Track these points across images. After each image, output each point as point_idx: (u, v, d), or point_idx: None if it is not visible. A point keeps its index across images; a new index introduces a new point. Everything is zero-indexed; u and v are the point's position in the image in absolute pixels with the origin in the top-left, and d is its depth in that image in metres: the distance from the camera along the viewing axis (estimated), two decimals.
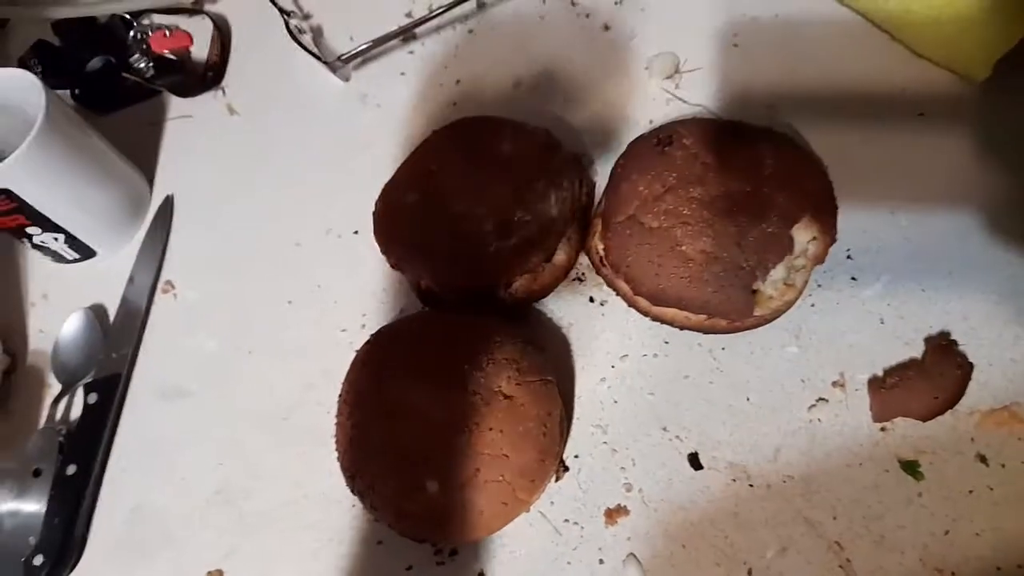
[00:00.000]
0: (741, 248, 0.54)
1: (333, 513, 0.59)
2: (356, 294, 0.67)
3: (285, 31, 0.77)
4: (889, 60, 0.67)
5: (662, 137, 0.59)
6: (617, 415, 0.58)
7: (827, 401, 0.56)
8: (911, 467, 0.53)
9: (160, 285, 0.72)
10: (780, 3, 0.71)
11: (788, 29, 0.70)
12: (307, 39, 0.79)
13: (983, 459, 0.52)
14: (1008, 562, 0.49)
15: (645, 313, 0.60)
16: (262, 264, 0.71)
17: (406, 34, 0.78)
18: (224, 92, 0.81)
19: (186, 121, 0.80)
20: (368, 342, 0.58)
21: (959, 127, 0.63)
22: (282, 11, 0.78)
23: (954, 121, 0.63)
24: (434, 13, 0.77)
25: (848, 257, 0.60)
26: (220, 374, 0.67)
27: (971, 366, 0.54)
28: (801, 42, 0.70)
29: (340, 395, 0.57)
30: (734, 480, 0.55)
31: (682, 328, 0.59)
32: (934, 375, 0.54)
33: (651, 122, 0.69)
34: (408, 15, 0.81)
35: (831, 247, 0.56)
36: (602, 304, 0.63)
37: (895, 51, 0.67)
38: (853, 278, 0.59)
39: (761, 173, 0.56)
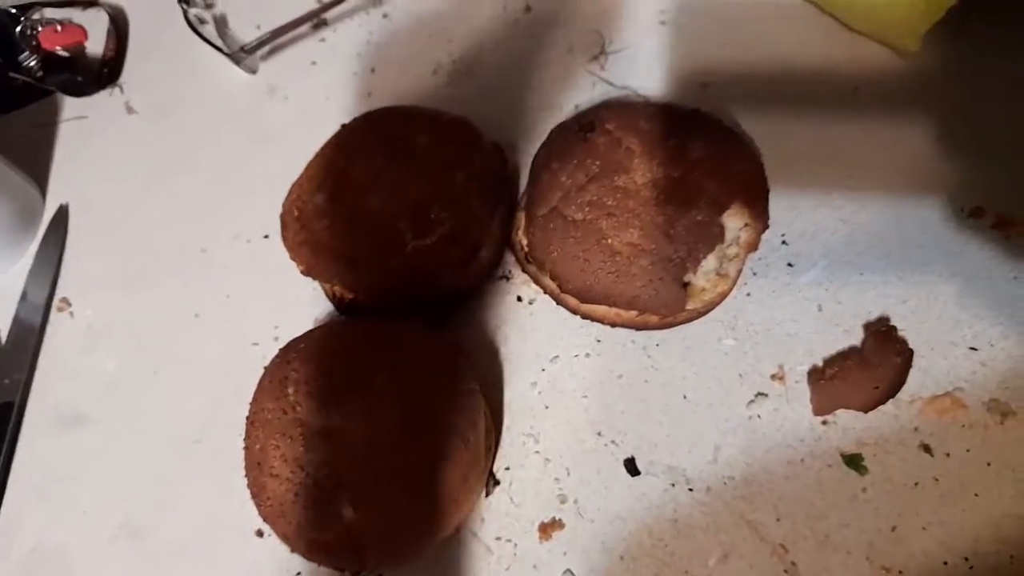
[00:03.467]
0: (670, 239, 0.51)
1: (248, 544, 0.55)
2: (268, 303, 0.63)
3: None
4: (821, 35, 0.64)
5: (584, 123, 0.55)
6: (549, 422, 0.55)
7: (766, 396, 0.53)
8: (854, 461, 0.50)
9: (55, 303, 0.66)
10: None
11: (717, 5, 0.67)
12: (209, 29, 0.74)
13: (927, 449, 0.50)
14: (954, 555, 0.48)
15: (574, 311, 0.56)
16: (166, 275, 0.65)
17: (316, 20, 0.73)
18: (122, 90, 0.75)
19: (81, 123, 0.74)
20: (275, 358, 0.54)
21: (893, 102, 0.60)
22: (180, 0, 0.72)
23: (888, 96, 0.61)
24: None
25: (783, 243, 0.57)
26: (123, 397, 0.62)
27: (911, 352, 0.52)
28: (731, 19, 0.67)
29: (248, 415, 0.52)
30: (673, 485, 0.52)
31: (613, 325, 0.56)
32: (874, 364, 0.52)
33: (576, 107, 0.65)
34: (318, 0, 0.75)
35: (764, 233, 0.53)
36: (530, 303, 0.59)
37: (827, 25, 0.64)
38: (789, 264, 0.57)
39: (689, 158, 0.53)
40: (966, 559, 0.47)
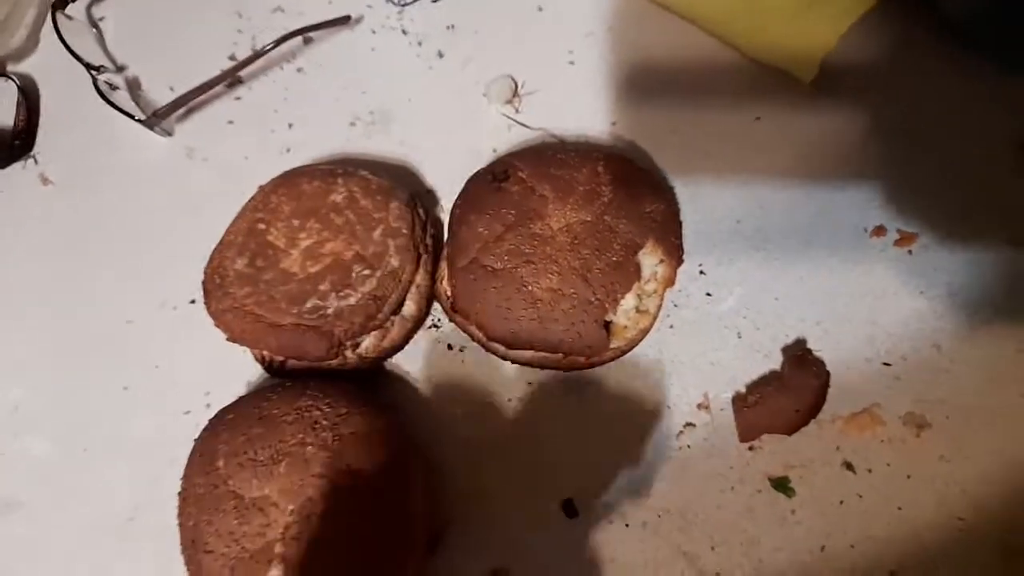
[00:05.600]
0: (588, 282, 0.52)
1: None
2: (198, 371, 0.62)
3: None
4: (725, 67, 0.66)
5: (497, 173, 0.56)
6: (488, 470, 0.55)
7: (694, 426, 0.54)
8: (782, 484, 0.52)
9: None
10: (612, 17, 0.70)
11: (623, 42, 0.69)
12: (121, 95, 0.73)
13: (850, 466, 0.52)
14: (881, 570, 0.49)
15: (503, 357, 0.57)
16: (91, 349, 0.64)
17: (231, 79, 0.73)
18: (36, 161, 0.74)
19: None
20: (204, 430, 0.53)
21: (795, 129, 0.62)
22: (88, 67, 0.72)
23: (790, 123, 0.63)
24: (257, 52, 0.72)
25: (701, 272, 0.59)
26: (54, 479, 0.60)
27: (828, 373, 0.54)
28: (637, 55, 0.68)
29: (179, 492, 0.52)
30: (610, 523, 0.53)
31: (543, 368, 0.57)
32: (793, 387, 0.53)
33: (494, 151, 0.66)
34: (231, 58, 0.75)
35: (681, 267, 0.55)
36: (461, 350, 0.60)
37: (730, 58, 0.66)
38: (708, 294, 0.58)
39: (600, 200, 0.54)
40: (892, 572, 0.49)
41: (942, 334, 0.54)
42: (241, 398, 0.55)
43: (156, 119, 0.70)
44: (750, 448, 0.53)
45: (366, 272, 0.55)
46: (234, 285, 0.57)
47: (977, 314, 0.55)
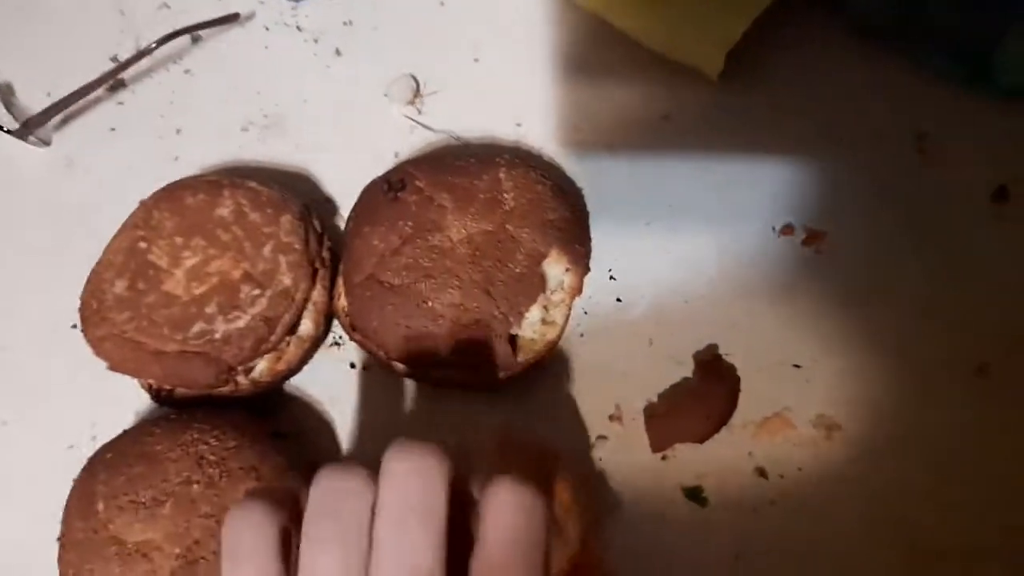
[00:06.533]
0: (491, 295, 0.50)
1: None
2: (83, 400, 0.58)
3: None
4: (635, 65, 0.64)
5: (392, 181, 0.53)
6: None
7: (607, 438, 0.53)
8: (694, 494, 0.51)
9: None
10: (518, 12, 0.67)
11: (529, 39, 0.66)
12: None
13: (762, 472, 0.51)
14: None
15: (407, 376, 0.54)
16: None
17: (112, 82, 0.68)
18: None
19: None
20: (82, 470, 0.49)
21: (702, 127, 0.61)
22: None
23: (697, 121, 0.61)
24: (141, 52, 0.67)
25: (611, 278, 0.57)
26: None
27: (738, 378, 0.53)
28: (544, 52, 0.66)
29: (58, 538, 0.48)
30: None
31: (449, 387, 0.54)
32: (704, 393, 0.52)
33: (397, 155, 0.63)
34: (114, 59, 0.70)
35: (588, 274, 0.53)
36: (365, 369, 0.57)
37: (641, 55, 0.64)
38: (618, 299, 0.56)
39: (502, 208, 0.52)
40: None
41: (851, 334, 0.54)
42: (122, 434, 0.51)
43: (29, 128, 0.65)
44: (663, 458, 0.52)
45: (256, 292, 0.52)
46: (113, 310, 0.53)
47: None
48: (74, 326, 0.59)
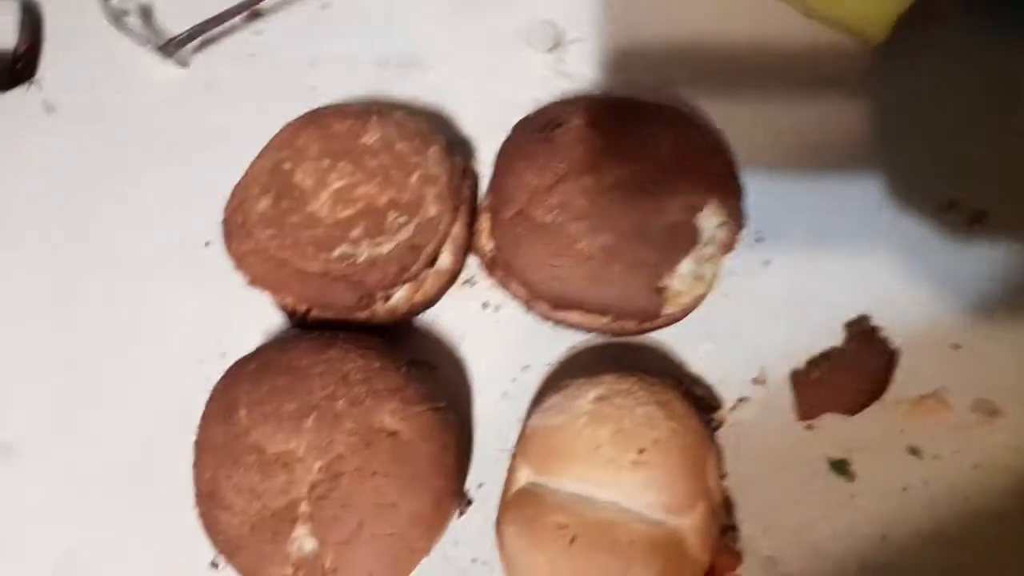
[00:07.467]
0: (644, 242, 0.48)
1: None
2: (212, 318, 0.58)
3: None
4: (779, 23, 0.62)
5: (548, 120, 0.52)
6: None
7: (749, 401, 0.51)
8: (841, 467, 0.49)
9: None
10: None
11: None
12: (132, 22, 0.68)
13: (915, 452, 0.49)
14: (949, 562, 0.46)
15: (546, 318, 0.53)
16: (96, 290, 0.59)
17: (250, 10, 0.68)
18: (39, 86, 0.68)
19: None
20: (223, 378, 0.49)
21: (862, 92, 0.59)
22: None
23: (857, 86, 0.59)
24: None
25: (758, 240, 0.55)
26: (55, 425, 0.56)
27: (895, 352, 0.50)
28: (692, 7, 0.64)
29: (195, 442, 0.48)
30: None
31: (587, 331, 0.53)
32: (857, 365, 0.50)
33: (537, 102, 0.61)
34: None
35: (740, 232, 0.51)
36: (497, 309, 0.56)
37: (783, 12, 0.62)
38: (766, 263, 0.54)
39: (660, 156, 0.50)
40: (961, 565, 0.45)
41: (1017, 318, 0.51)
42: (264, 346, 0.51)
43: (169, 49, 0.65)
44: (808, 427, 0.50)
45: (402, 219, 0.51)
46: (257, 226, 0.52)
47: None
48: (207, 244, 0.60)
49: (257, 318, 0.57)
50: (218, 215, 0.55)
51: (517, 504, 0.45)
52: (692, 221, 0.49)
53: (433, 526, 0.46)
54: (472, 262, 0.57)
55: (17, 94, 0.68)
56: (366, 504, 0.44)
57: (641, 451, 0.42)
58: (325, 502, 0.44)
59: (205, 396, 0.49)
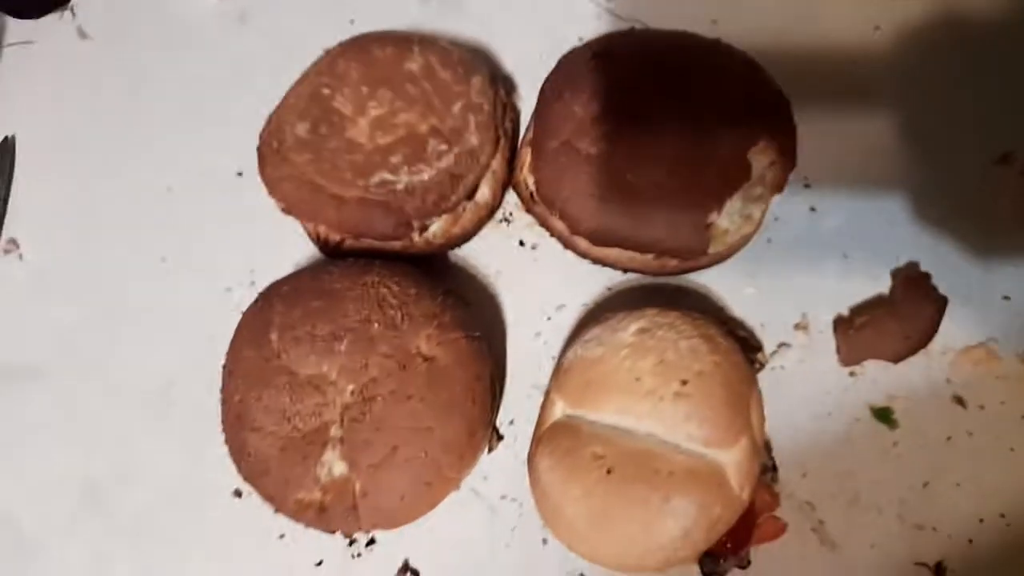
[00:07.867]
0: (694, 176, 0.47)
1: (225, 506, 0.50)
2: (243, 246, 0.57)
3: None
4: None
5: (597, 51, 0.51)
6: None
7: (790, 346, 0.50)
8: (884, 415, 0.47)
9: (1, 244, 0.59)
10: None
11: None
12: None
13: (960, 401, 0.47)
14: (990, 512, 0.45)
15: (584, 255, 0.52)
16: (127, 215, 0.59)
17: None
18: (73, 12, 0.68)
19: (27, 48, 0.66)
20: (255, 302, 0.48)
21: (917, 43, 0.57)
22: None
23: (912, 36, 0.57)
24: None
25: (806, 186, 0.54)
26: (80, 348, 0.56)
27: (944, 300, 0.49)
28: None
29: (224, 365, 0.47)
30: None
31: (626, 271, 0.52)
32: (904, 312, 0.49)
33: (580, 39, 0.60)
34: None
35: (790, 172, 0.50)
36: (533, 248, 0.55)
37: None
38: (812, 208, 0.53)
39: (710, 91, 0.49)
40: (1002, 515, 0.45)
41: None
42: (298, 271, 0.50)
43: None
44: (851, 374, 0.48)
45: (443, 147, 0.50)
46: (293, 151, 0.51)
47: None
48: (240, 174, 0.59)
49: (289, 249, 0.56)
50: (251, 145, 0.54)
51: (552, 436, 0.44)
52: (743, 157, 0.48)
53: (465, 455, 0.45)
54: (510, 200, 0.56)
55: (50, 20, 0.67)
56: (400, 428, 0.43)
57: (684, 383, 0.41)
58: (358, 425, 0.43)
59: (231, 323, 0.48)
